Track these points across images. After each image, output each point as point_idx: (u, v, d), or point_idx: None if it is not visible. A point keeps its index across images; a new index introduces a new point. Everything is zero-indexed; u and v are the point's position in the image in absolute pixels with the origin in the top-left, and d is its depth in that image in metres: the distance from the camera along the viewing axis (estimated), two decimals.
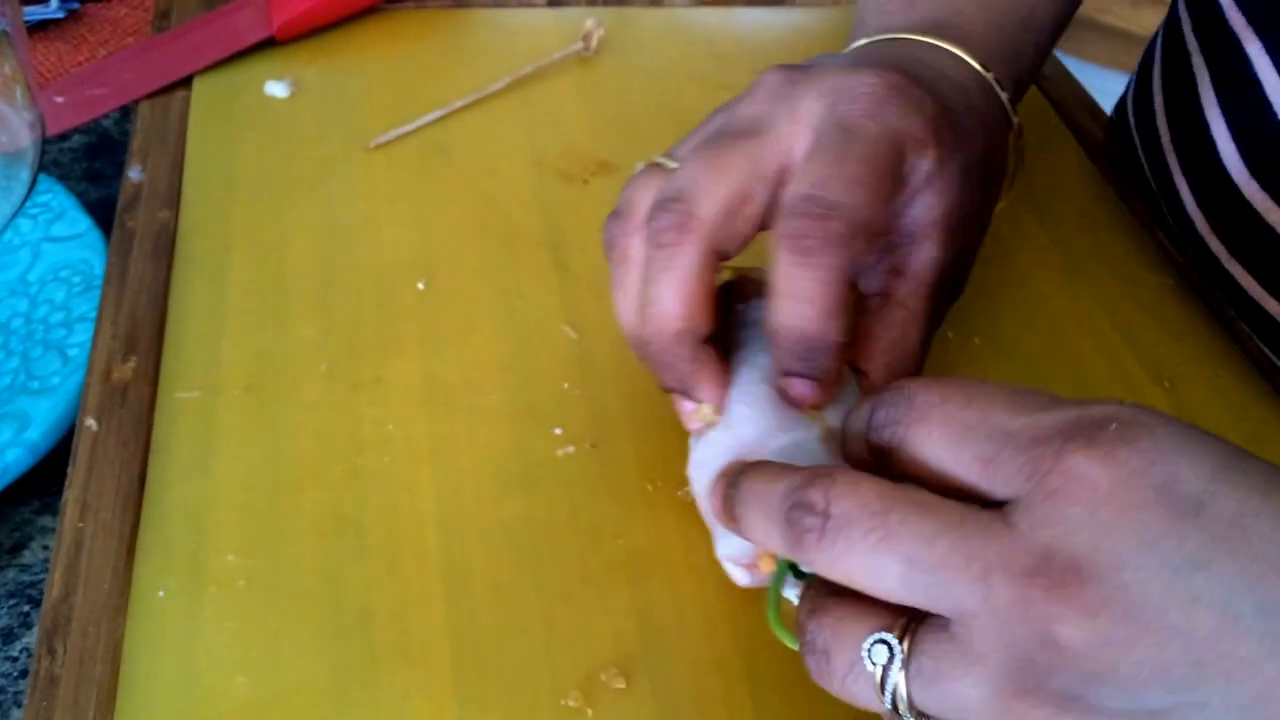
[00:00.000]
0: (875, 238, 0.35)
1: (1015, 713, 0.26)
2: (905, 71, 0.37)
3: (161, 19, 0.62)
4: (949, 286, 0.40)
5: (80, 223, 0.50)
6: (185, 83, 0.56)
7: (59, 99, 0.58)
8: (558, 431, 0.42)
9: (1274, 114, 0.50)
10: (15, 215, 0.40)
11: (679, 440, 0.42)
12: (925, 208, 0.37)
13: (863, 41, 0.42)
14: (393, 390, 0.43)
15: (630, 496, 0.40)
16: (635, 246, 0.37)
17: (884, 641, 0.27)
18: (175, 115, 0.55)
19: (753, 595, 0.37)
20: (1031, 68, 0.46)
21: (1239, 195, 0.52)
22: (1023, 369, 0.46)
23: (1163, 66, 0.60)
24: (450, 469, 0.40)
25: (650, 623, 0.36)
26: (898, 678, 0.27)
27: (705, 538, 0.38)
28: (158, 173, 0.51)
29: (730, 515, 0.31)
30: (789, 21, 0.66)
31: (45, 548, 0.41)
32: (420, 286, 0.47)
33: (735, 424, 0.35)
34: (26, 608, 0.39)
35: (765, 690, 0.35)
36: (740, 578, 0.35)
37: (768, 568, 0.34)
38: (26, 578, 0.40)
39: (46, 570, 0.40)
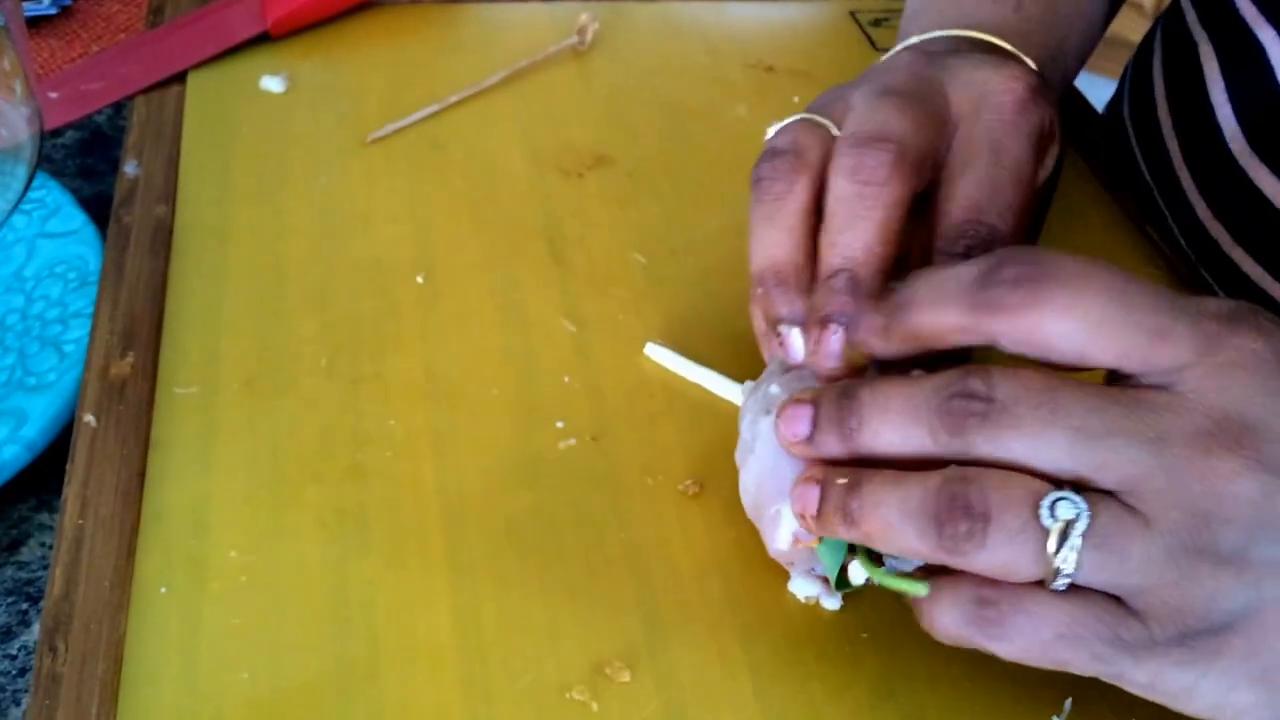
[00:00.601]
0: None
1: (1181, 570, 0.27)
2: (1036, 70, 0.39)
3: (155, 15, 0.61)
4: None
5: (75, 218, 0.49)
6: (180, 78, 0.56)
7: (52, 94, 0.58)
8: (559, 425, 0.42)
9: None
10: (13, 211, 0.40)
11: (678, 433, 0.42)
12: (1038, 199, 0.40)
13: (915, 40, 0.43)
14: (393, 385, 0.43)
15: (631, 490, 0.40)
16: (802, 185, 0.37)
17: (1064, 499, 0.28)
18: (170, 110, 0.54)
19: (754, 588, 0.37)
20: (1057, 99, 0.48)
21: (1245, 179, 0.53)
22: (1015, 358, 0.46)
23: (1164, 58, 0.60)
24: (451, 463, 0.40)
25: (653, 615, 0.36)
26: (1077, 537, 0.28)
27: (706, 531, 0.38)
28: (154, 168, 0.51)
29: (846, 424, 0.31)
30: (781, 15, 0.66)
31: (43, 545, 0.41)
32: (419, 280, 0.47)
33: None
34: (24, 605, 0.39)
35: (768, 681, 0.35)
36: (784, 540, 0.35)
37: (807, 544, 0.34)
38: (24, 575, 0.40)
39: (44, 567, 0.40)
